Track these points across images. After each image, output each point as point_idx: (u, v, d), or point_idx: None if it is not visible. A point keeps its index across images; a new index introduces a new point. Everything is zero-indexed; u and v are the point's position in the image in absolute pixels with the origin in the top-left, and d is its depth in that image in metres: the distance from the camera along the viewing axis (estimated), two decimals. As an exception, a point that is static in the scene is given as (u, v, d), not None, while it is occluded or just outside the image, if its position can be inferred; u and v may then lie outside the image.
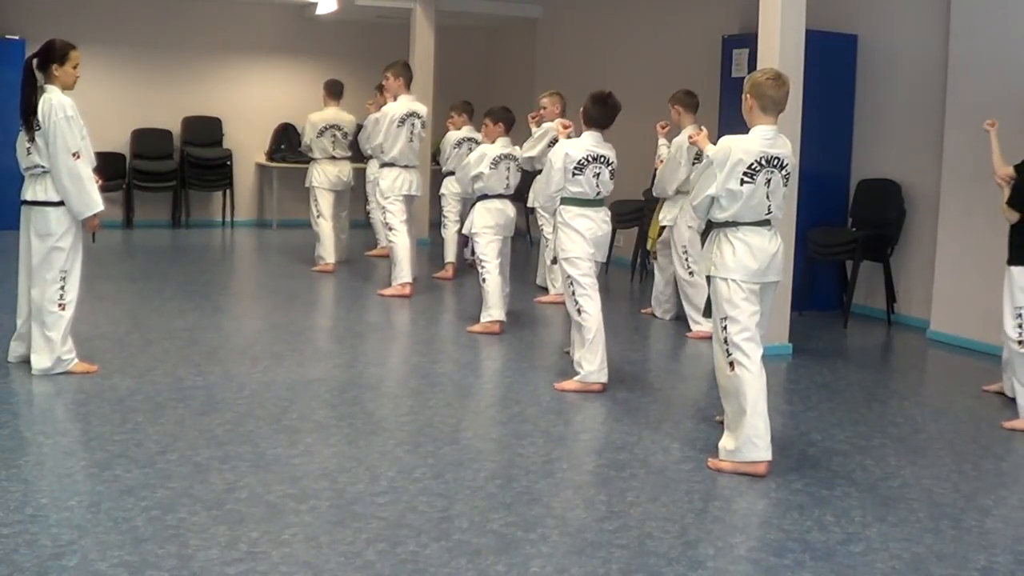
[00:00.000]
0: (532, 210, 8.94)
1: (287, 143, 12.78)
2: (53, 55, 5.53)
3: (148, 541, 3.59)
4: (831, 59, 8.04)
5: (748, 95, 4.59)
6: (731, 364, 4.51)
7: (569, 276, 5.78)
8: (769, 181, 4.53)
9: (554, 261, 5.99)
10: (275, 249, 11.40)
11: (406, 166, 8.55)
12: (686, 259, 7.38)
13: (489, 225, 7.25)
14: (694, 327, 7.33)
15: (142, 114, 12.39)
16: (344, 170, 9.82)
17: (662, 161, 7.63)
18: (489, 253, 7.24)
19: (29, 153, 5.55)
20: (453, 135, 9.49)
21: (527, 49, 13.00)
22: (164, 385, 5.61)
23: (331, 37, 13.04)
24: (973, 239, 7.12)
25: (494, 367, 6.53)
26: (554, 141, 6.76)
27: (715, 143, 4.80)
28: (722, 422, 4.71)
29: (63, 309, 5.61)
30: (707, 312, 4.81)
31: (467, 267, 9.43)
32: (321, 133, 9.67)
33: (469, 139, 9.16)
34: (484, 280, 7.22)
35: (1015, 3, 6.96)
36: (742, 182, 4.49)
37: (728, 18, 9.15)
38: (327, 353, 6.77)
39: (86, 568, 3.37)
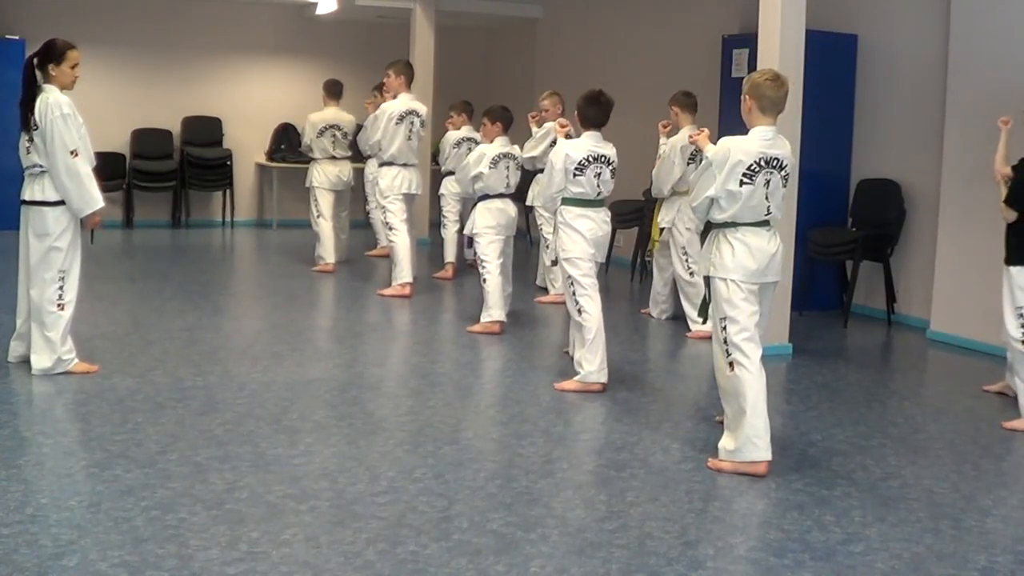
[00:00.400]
0: (531, 209, 8.94)
1: (287, 143, 12.78)
2: (51, 54, 5.54)
3: (148, 541, 3.59)
4: (831, 59, 8.04)
5: (747, 96, 4.59)
6: (731, 364, 4.51)
7: (570, 276, 5.78)
8: (768, 182, 4.53)
9: (554, 262, 5.99)
10: (275, 249, 11.39)
11: (405, 164, 8.54)
12: (686, 260, 7.38)
13: (490, 225, 7.26)
14: (693, 327, 7.33)
15: (142, 114, 12.39)
16: (344, 170, 9.82)
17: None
18: (490, 253, 7.24)
19: (28, 153, 5.55)
20: (452, 135, 9.50)
21: (527, 49, 13.00)
22: (164, 385, 5.61)
23: (331, 37, 13.04)
24: (973, 239, 7.12)
25: (494, 367, 6.53)
26: (555, 141, 6.76)
27: (715, 143, 4.80)
28: (722, 422, 4.71)
29: (62, 309, 5.61)
30: (702, 313, 4.81)
31: (467, 267, 9.44)
32: (321, 133, 9.67)
33: (468, 139, 9.16)
34: (485, 280, 7.23)
35: (1015, 3, 6.96)
36: (741, 183, 4.49)
37: (728, 18, 9.15)
38: (327, 353, 6.77)
39: (86, 568, 3.37)
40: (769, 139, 4.55)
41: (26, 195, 5.60)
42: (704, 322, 6.12)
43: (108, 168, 11.11)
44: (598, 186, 5.84)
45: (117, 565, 3.40)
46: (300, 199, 11.14)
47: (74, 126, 5.49)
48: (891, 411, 5.74)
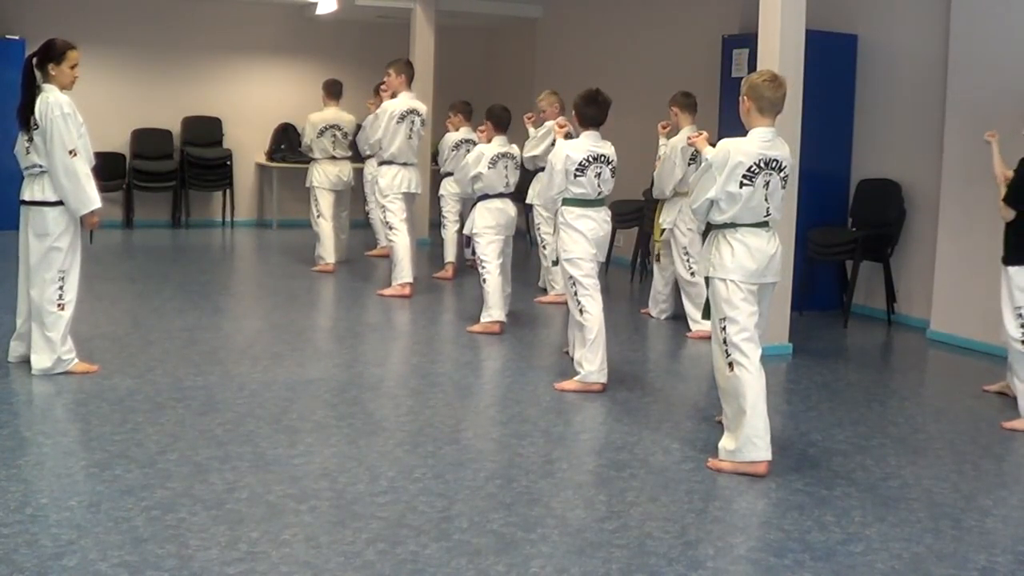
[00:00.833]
0: (531, 208, 8.94)
1: (287, 143, 12.78)
2: (51, 54, 5.53)
3: (148, 541, 3.59)
4: (831, 59, 8.04)
5: (745, 97, 4.59)
6: (730, 365, 4.51)
7: (571, 276, 5.78)
8: (768, 183, 4.54)
9: (556, 263, 5.99)
10: (275, 249, 11.39)
11: (405, 164, 8.54)
12: (687, 260, 7.38)
13: (490, 225, 7.26)
14: (694, 327, 7.33)
15: (142, 114, 12.39)
16: (344, 170, 9.82)
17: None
18: (490, 253, 7.24)
19: (27, 153, 5.55)
20: (451, 136, 9.49)
21: (527, 49, 13.00)
22: (164, 385, 5.61)
23: (331, 37, 13.03)
24: (973, 239, 7.12)
25: (494, 367, 6.53)
26: (555, 141, 6.76)
27: (715, 143, 4.80)
28: (722, 422, 4.71)
29: (62, 309, 5.61)
30: (706, 314, 4.81)
31: (467, 267, 9.44)
32: (321, 133, 9.67)
33: (467, 141, 9.15)
34: (484, 280, 7.23)
35: (1015, 3, 6.96)
36: (741, 184, 4.50)
37: (728, 18, 9.15)
38: (327, 353, 6.77)
39: (86, 568, 3.37)
40: (768, 140, 4.56)
41: (26, 195, 5.60)
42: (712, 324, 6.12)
43: (108, 168, 11.13)
44: (599, 186, 5.84)
45: (117, 565, 3.40)
46: (300, 199, 11.15)
47: (74, 126, 5.49)
48: (891, 411, 5.74)
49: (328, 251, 9.59)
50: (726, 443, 4.56)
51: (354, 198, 10.56)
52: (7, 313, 6.48)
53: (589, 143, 5.83)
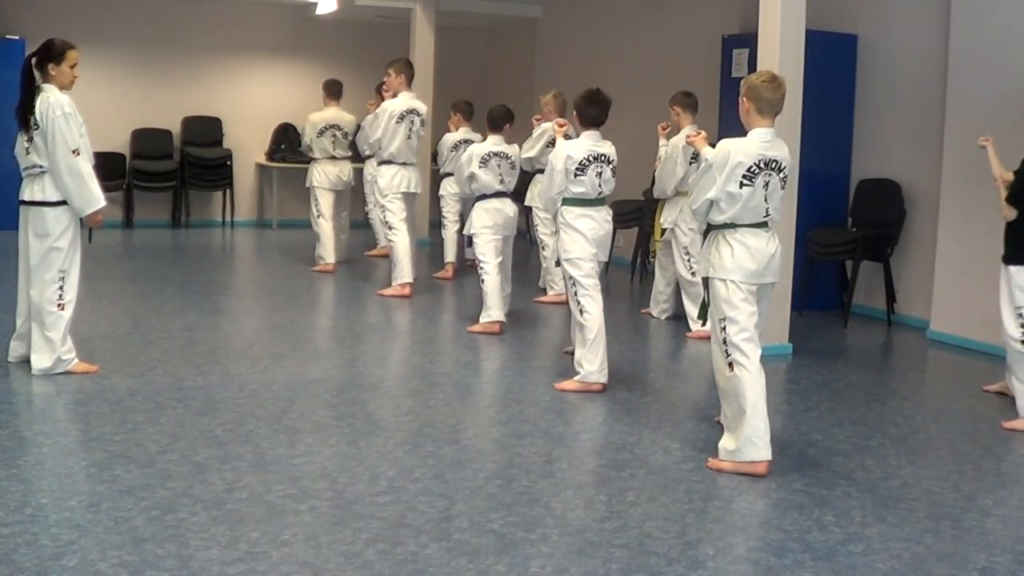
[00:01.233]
0: (531, 209, 8.94)
1: (287, 143, 12.78)
2: (50, 54, 5.53)
3: (148, 541, 3.59)
4: (831, 59, 8.04)
5: (744, 98, 4.60)
6: (730, 365, 4.51)
7: (571, 276, 5.78)
8: (767, 184, 4.54)
9: (558, 263, 5.99)
10: (275, 249, 11.39)
11: (404, 163, 8.53)
12: (688, 260, 7.38)
13: (487, 225, 7.26)
14: (694, 327, 7.33)
15: (142, 114, 12.39)
16: (344, 170, 9.82)
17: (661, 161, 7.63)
18: (488, 253, 7.24)
19: (28, 153, 5.55)
20: (451, 137, 9.48)
21: (527, 49, 13.00)
22: (164, 385, 5.61)
23: (331, 37, 13.03)
24: (973, 239, 7.12)
25: (494, 367, 6.53)
26: (552, 142, 6.76)
27: (715, 143, 4.80)
28: (721, 422, 4.71)
29: (62, 309, 5.61)
30: (702, 314, 4.81)
31: (467, 267, 9.44)
32: (321, 133, 9.67)
33: (466, 141, 9.14)
34: (483, 280, 7.23)
35: (1015, 3, 6.96)
36: (741, 185, 4.50)
37: (728, 18, 9.15)
38: (327, 353, 6.77)
39: (86, 568, 3.37)
40: (768, 141, 4.56)
41: (25, 195, 5.60)
42: (704, 324, 6.12)
43: (108, 168, 11.11)
44: (599, 185, 5.84)
45: (117, 565, 3.40)
46: (300, 199, 11.15)
47: (75, 125, 5.49)
48: (891, 411, 5.73)
49: (328, 251, 9.59)
50: (726, 443, 4.56)
51: (354, 198, 10.56)
52: (7, 313, 6.48)
53: (590, 143, 5.83)
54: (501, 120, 7.48)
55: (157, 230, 12.26)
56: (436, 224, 10.53)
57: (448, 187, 9.69)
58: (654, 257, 7.80)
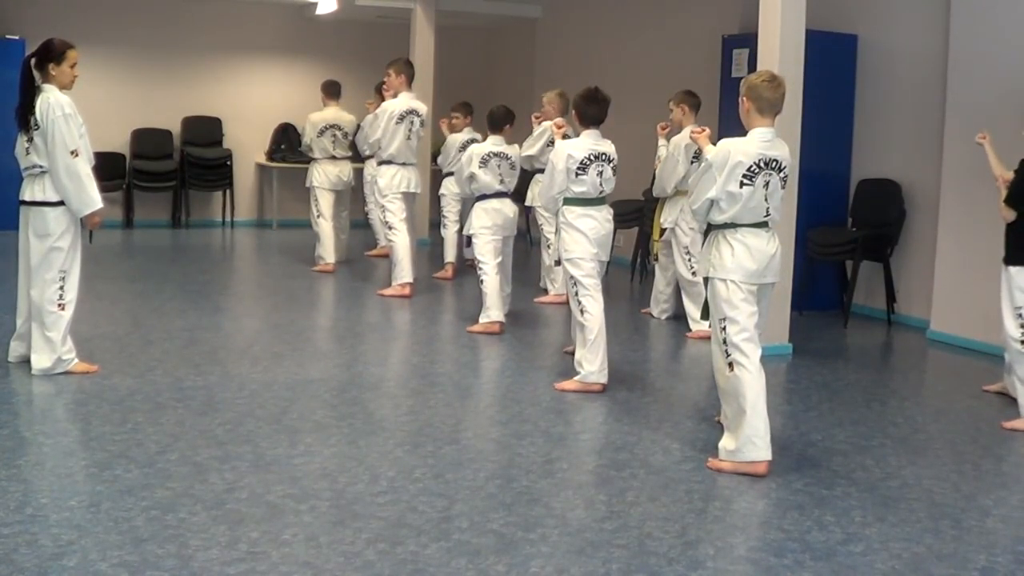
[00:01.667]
0: (531, 209, 8.94)
1: (287, 143, 12.79)
2: (50, 54, 5.53)
3: (148, 541, 3.59)
4: (831, 59, 8.04)
5: (744, 98, 4.60)
6: (730, 365, 4.51)
7: (572, 276, 5.78)
8: (767, 183, 4.54)
9: (558, 262, 5.99)
10: (275, 249, 11.40)
11: (404, 163, 8.53)
12: (688, 259, 7.38)
13: (486, 225, 7.26)
14: (694, 327, 7.33)
15: (142, 114, 12.39)
16: (344, 170, 9.82)
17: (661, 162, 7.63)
18: (487, 253, 7.24)
19: (28, 153, 5.55)
20: (457, 137, 9.46)
21: (527, 49, 13.00)
22: (164, 385, 5.61)
23: (331, 37, 13.04)
24: (973, 239, 7.12)
25: (494, 367, 6.53)
26: (552, 141, 6.76)
27: (715, 143, 4.80)
28: (721, 422, 4.71)
29: (62, 309, 5.61)
30: (705, 314, 4.81)
31: (467, 267, 9.44)
32: (321, 133, 9.67)
33: (473, 140, 9.14)
34: (482, 281, 7.23)
35: (1015, 3, 6.96)
36: (741, 184, 4.50)
37: (728, 18, 9.15)
38: (327, 353, 6.77)
39: (86, 568, 3.37)
40: (768, 140, 4.56)
41: (26, 195, 5.60)
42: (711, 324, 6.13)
43: (108, 168, 11.12)
44: (600, 185, 5.84)
45: (117, 565, 3.40)
46: (300, 199, 11.15)
47: (75, 126, 5.49)
48: (891, 411, 5.73)
49: (328, 251, 9.59)
50: (726, 443, 4.56)
51: (354, 198, 10.56)
52: (7, 313, 6.48)
53: (590, 142, 5.83)
54: (501, 121, 7.48)
55: (157, 230, 12.26)
56: (436, 224, 10.53)
57: (449, 187, 9.69)
58: (655, 259, 7.79)
